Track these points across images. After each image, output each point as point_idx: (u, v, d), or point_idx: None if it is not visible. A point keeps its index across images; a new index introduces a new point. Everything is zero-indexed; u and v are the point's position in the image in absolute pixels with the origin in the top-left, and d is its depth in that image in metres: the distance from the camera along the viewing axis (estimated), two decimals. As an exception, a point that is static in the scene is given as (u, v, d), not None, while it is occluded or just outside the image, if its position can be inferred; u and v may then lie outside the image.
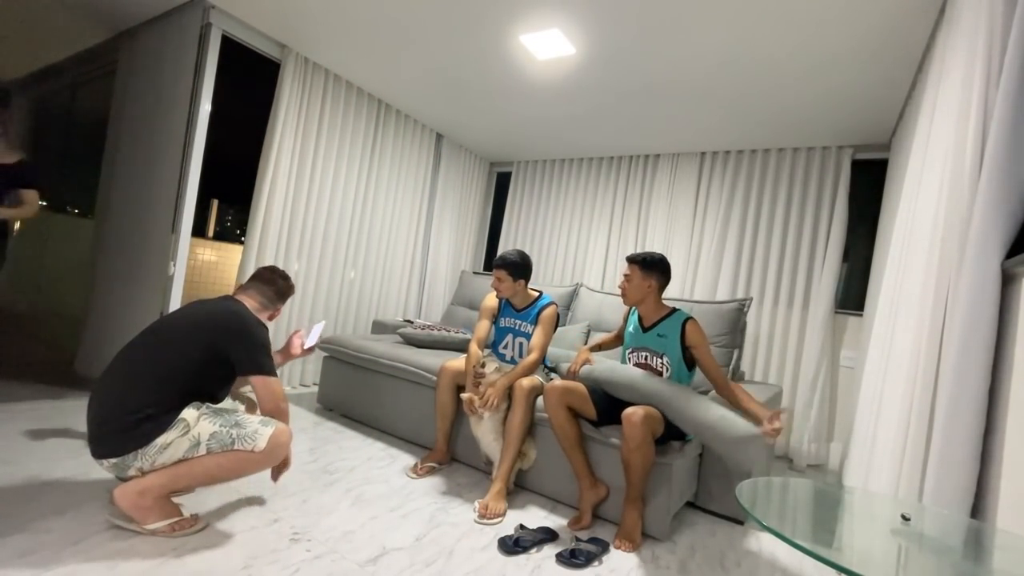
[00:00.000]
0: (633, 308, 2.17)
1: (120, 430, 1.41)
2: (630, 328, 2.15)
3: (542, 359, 2.28)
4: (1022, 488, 0.96)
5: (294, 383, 3.43)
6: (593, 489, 1.93)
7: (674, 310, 2.06)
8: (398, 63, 3.10)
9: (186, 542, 1.43)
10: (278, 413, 1.60)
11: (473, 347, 2.29)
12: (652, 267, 2.05)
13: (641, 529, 1.82)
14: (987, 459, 1.11)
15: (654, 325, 2.06)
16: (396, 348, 2.80)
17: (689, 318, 2.00)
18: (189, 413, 1.47)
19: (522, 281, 2.32)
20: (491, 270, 2.36)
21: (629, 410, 1.77)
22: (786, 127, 3.19)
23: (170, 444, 1.42)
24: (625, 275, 2.09)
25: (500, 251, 4.74)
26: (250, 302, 1.76)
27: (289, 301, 3.27)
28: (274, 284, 1.84)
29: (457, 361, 2.33)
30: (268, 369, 1.58)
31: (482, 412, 2.04)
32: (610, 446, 1.96)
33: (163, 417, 1.43)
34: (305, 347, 2.06)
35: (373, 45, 2.92)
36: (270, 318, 1.84)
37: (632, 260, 2.07)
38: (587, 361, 2.11)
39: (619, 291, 2.11)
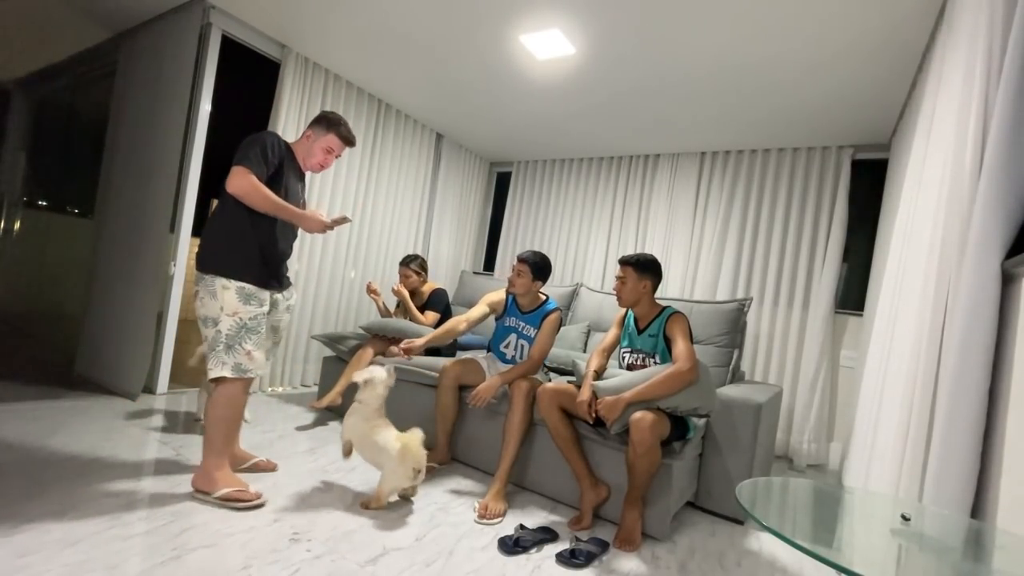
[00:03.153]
0: (628, 309, 2.17)
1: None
2: (628, 329, 2.15)
3: (539, 366, 2.28)
4: (1022, 488, 0.96)
5: (295, 383, 3.43)
6: (594, 490, 1.93)
7: (664, 308, 2.06)
8: (398, 63, 3.10)
9: (187, 542, 1.43)
10: (244, 196, 1.66)
11: (455, 320, 2.34)
12: (646, 268, 2.05)
13: (641, 529, 1.82)
14: (987, 459, 1.11)
15: (647, 326, 2.07)
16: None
17: (674, 312, 2.01)
18: (229, 299, 1.67)
19: (539, 283, 2.34)
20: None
21: (637, 415, 1.75)
22: (786, 127, 3.19)
23: (208, 303, 1.68)
24: (619, 277, 2.08)
25: (500, 251, 4.76)
26: (298, 141, 1.91)
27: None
28: (323, 118, 1.90)
29: (459, 363, 2.34)
30: (241, 160, 1.66)
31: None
32: (609, 447, 1.96)
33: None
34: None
35: (373, 45, 2.92)
36: (327, 153, 1.90)
37: (626, 262, 2.07)
38: (593, 396, 1.92)
39: (614, 293, 2.11)
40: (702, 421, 2.10)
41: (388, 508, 1.82)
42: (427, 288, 3.12)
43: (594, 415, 1.87)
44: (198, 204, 2.86)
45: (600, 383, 1.91)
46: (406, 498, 1.91)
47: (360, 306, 3.81)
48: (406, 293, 2.99)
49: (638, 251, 4.01)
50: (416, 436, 1.86)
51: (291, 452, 2.24)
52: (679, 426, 1.87)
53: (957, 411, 1.12)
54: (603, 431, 1.96)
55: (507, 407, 2.12)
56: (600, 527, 1.90)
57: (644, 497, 1.83)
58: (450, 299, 3.36)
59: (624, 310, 2.20)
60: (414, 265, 3.07)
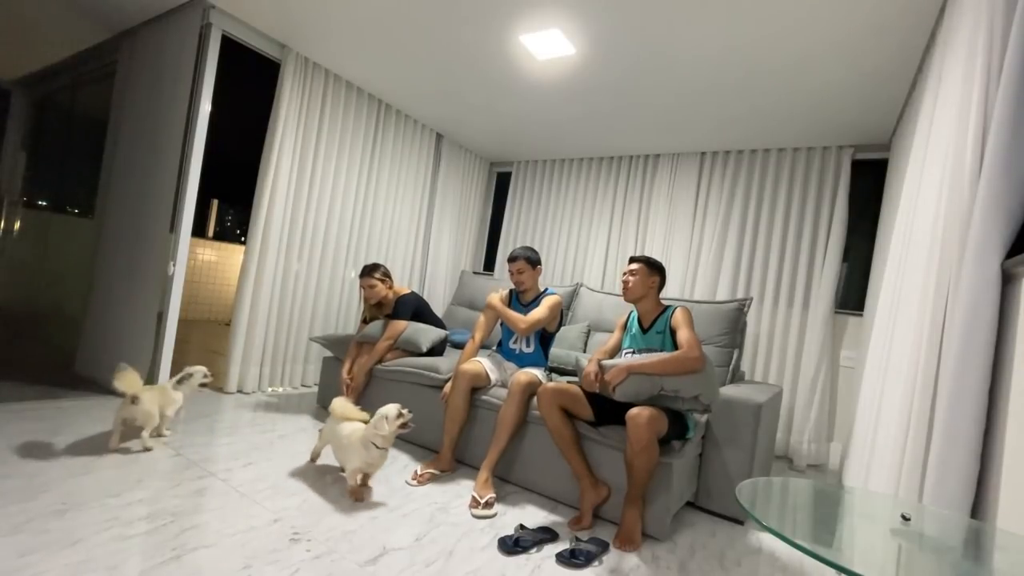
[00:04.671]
0: (632, 312, 2.18)
1: None
2: (631, 331, 2.15)
3: (525, 326, 2.34)
4: (1022, 488, 0.96)
5: (295, 383, 3.43)
6: (594, 490, 1.93)
7: (668, 306, 2.10)
8: (398, 63, 3.10)
9: (187, 542, 1.43)
10: None
11: (470, 346, 2.43)
12: (657, 268, 2.13)
13: (641, 529, 1.82)
14: (987, 459, 1.11)
15: (653, 323, 2.08)
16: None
17: (679, 307, 2.05)
18: None
19: (539, 269, 2.49)
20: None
21: (634, 411, 1.76)
22: (786, 127, 3.19)
23: None
24: (630, 271, 2.12)
25: (500, 252, 4.78)
26: None
27: (291, 300, 3.28)
28: None
29: (474, 364, 2.33)
30: None
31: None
32: (609, 447, 1.96)
33: None
34: None
35: (373, 45, 2.92)
36: None
37: (637, 259, 2.14)
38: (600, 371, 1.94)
39: (622, 285, 2.14)
40: (703, 419, 2.10)
41: (387, 509, 1.83)
42: (392, 297, 2.91)
43: (598, 386, 1.90)
44: (198, 204, 2.86)
45: (606, 361, 1.95)
46: (366, 477, 1.97)
47: (360, 307, 3.80)
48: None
49: (639, 252, 4.03)
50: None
51: (291, 452, 2.24)
52: (678, 424, 1.87)
53: (957, 411, 1.12)
54: (604, 431, 1.96)
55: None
56: (600, 527, 1.90)
57: (644, 497, 1.83)
58: (448, 300, 3.34)
59: (626, 314, 2.22)
60: (377, 275, 2.86)
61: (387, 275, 2.93)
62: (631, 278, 2.11)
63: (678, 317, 2.00)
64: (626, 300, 2.15)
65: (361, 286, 2.88)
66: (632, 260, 2.16)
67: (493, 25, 2.51)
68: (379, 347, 2.73)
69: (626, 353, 2.14)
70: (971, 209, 1.20)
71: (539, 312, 2.36)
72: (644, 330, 2.10)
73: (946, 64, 1.64)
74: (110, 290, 2.94)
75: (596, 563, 1.63)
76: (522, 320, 2.35)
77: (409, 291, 2.95)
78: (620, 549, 1.73)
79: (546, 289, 2.53)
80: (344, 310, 3.69)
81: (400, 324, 2.78)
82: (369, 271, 2.86)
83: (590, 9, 2.27)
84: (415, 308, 2.89)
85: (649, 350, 2.06)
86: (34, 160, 4.66)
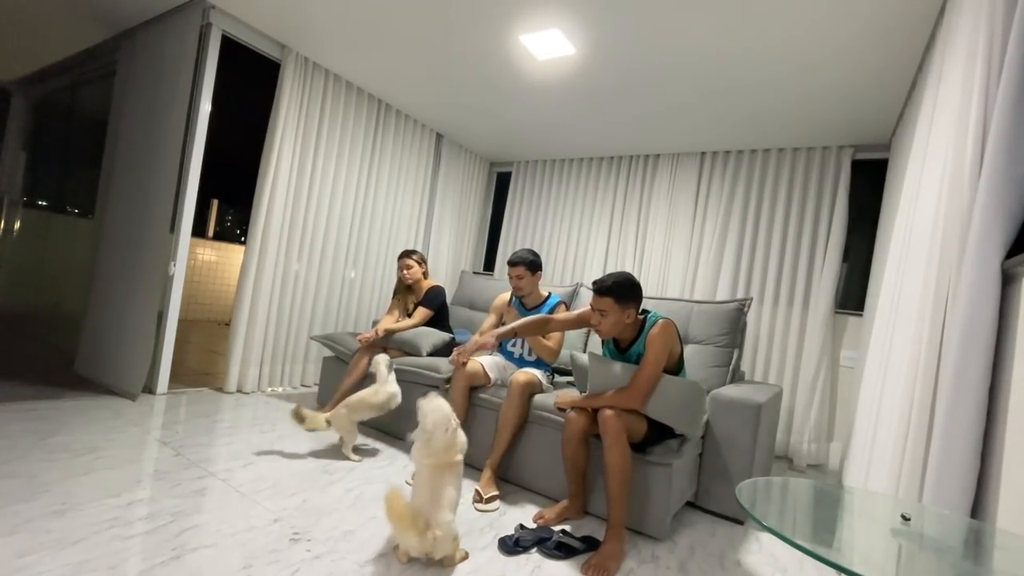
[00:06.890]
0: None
1: None
2: (608, 344, 2.00)
3: (554, 359, 2.38)
4: (1022, 488, 0.96)
5: (295, 383, 3.43)
6: (575, 510, 1.93)
7: (647, 318, 1.86)
8: (398, 63, 3.10)
9: (187, 542, 1.43)
10: None
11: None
12: (628, 295, 1.77)
13: (620, 562, 1.64)
14: (987, 459, 1.11)
15: (631, 345, 1.89)
16: (396, 348, 2.79)
17: (656, 321, 1.81)
18: None
19: (539, 274, 2.46)
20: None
21: (604, 410, 1.77)
22: (786, 127, 3.19)
23: None
24: (599, 310, 1.78)
25: (500, 252, 4.78)
26: None
27: (291, 300, 3.29)
28: None
29: (472, 362, 2.31)
30: None
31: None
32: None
33: None
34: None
35: (373, 45, 2.92)
36: None
37: (603, 292, 1.75)
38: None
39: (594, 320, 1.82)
40: (703, 420, 2.10)
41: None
42: (425, 284, 3.03)
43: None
44: (198, 204, 2.86)
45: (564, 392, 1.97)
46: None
47: (360, 307, 3.81)
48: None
49: (638, 253, 4.02)
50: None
51: (292, 452, 2.24)
52: (666, 428, 1.86)
53: (957, 411, 1.12)
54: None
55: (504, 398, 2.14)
56: (600, 526, 1.90)
57: (624, 519, 1.70)
58: (449, 299, 3.34)
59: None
60: (415, 256, 3.02)
61: (423, 260, 3.08)
62: (601, 319, 1.78)
63: (651, 341, 1.75)
64: (601, 337, 1.88)
65: (399, 267, 3.01)
66: (597, 292, 1.76)
67: (493, 25, 2.51)
68: (406, 323, 2.87)
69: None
70: (971, 209, 1.20)
71: (560, 337, 2.37)
72: (621, 352, 1.93)
73: (946, 64, 1.64)
74: (110, 290, 2.93)
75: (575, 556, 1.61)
76: (552, 354, 2.36)
77: (439, 284, 3.09)
78: (585, 574, 1.55)
79: (549, 295, 2.52)
80: (344, 310, 3.69)
81: (427, 313, 2.91)
82: (408, 253, 3.04)
83: (590, 9, 2.27)
84: (443, 301, 3.03)
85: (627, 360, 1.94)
86: (34, 160, 4.66)
